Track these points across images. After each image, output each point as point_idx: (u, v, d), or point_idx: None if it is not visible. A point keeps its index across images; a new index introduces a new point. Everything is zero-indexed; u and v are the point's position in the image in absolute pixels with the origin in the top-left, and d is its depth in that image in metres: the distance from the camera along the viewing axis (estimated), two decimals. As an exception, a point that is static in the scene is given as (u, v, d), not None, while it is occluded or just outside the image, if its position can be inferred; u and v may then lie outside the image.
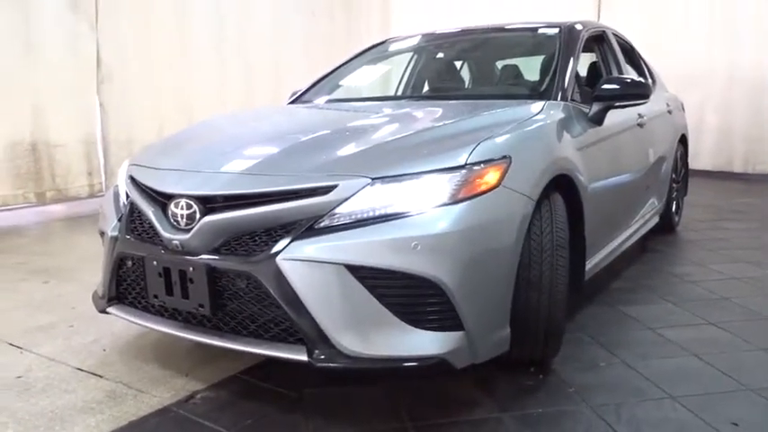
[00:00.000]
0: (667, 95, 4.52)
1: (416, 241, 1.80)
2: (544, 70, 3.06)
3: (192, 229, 1.97)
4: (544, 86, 2.85)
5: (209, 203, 1.97)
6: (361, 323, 1.82)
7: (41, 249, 4.44)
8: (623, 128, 3.16)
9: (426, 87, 3.82)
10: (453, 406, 2.08)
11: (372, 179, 1.88)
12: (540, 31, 3.43)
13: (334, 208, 1.85)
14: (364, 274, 1.80)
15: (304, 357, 1.84)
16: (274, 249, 1.85)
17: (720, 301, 3.10)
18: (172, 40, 6.79)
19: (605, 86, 2.80)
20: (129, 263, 2.19)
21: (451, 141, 2.11)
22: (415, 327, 1.84)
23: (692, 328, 2.74)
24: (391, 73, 4.14)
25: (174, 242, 2.00)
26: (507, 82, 3.34)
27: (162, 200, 2.10)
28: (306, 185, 1.90)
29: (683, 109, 4.86)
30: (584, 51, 3.20)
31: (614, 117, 2.96)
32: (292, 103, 3.53)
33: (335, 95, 3.50)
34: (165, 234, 2.03)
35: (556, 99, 2.70)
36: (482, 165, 1.96)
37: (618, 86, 2.80)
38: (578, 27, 3.24)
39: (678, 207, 4.72)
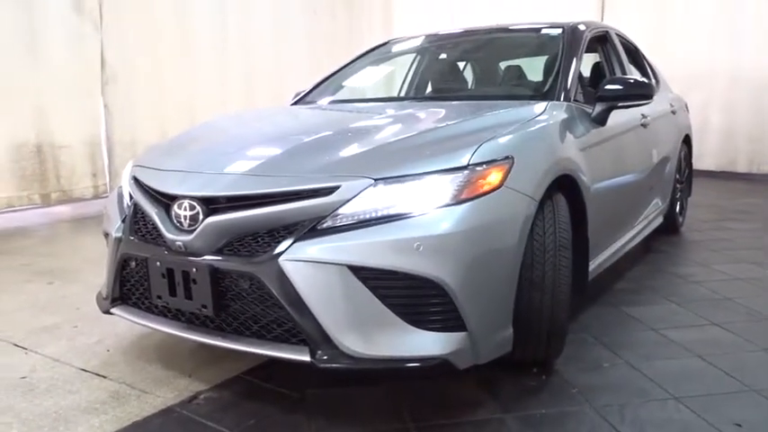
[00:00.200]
0: (671, 96, 4.52)
1: (419, 242, 1.80)
2: (547, 71, 3.06)
3: (195, 230, 1.97)
4: (547, 87, 2.85)
5: (212, 204, 1.98)
6: (364, 324, 1.82)
7: (46, 251, 4.46)
8: (626, 128, 3.16)
9: (429, 88, 3.82)
10: (456, 406, 2.08)
11: (375, 180, 1.88)
12: (544, 31, 3.43)
13: (337, 209, 1.86)
14: (367, 275, 1.81)
15: (307, 358, 1.84)
16: (277, 250, 1.85)
17: (724, 301, 3.09)
18: (175, 41, 6.81)
19: (608, 87, 2.80)
20: (133, 264, 2.20)
21: (454, 142, 2.11)
22: (418, 327, 1.84)
23: (696, 329, 2.73)
24: (394, 74, 4.14)
25: (178, 243, 2.01)
26: (510, 83, 3.34)
27: (165, 201, 2.11)
28: (308, 186, 1.90)
29: (687, 109, 4.85)
30: (587, 52, 3.19)
31: (617, 117, 2.96)
32: (296, 103, 3.54)
33: (339, 96, 3.51)
34: (169, 235, 2.03)
35: (559, 99, 2.70)
36: (484, 165, 1.97)
37: (621, 87, 2.79)
38: (581, 27, 3.24)
39: (682, 208, 4.71)
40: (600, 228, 2.69)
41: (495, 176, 1.97)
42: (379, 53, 3.84)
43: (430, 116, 2.63)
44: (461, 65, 3.85)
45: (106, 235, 2.40)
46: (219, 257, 1.95)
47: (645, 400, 2.10)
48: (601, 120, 2.80)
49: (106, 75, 6.19)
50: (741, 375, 2.26)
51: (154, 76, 6.59)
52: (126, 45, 6.31)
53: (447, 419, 1.99)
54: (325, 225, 1.86)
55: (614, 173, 2.94)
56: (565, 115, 2.57)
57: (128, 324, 2.53)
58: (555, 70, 2.91)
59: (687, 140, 4.65)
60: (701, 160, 7.35)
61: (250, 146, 2.32)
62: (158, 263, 2.05)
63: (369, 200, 1.86)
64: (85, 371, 2.39)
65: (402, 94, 3.91)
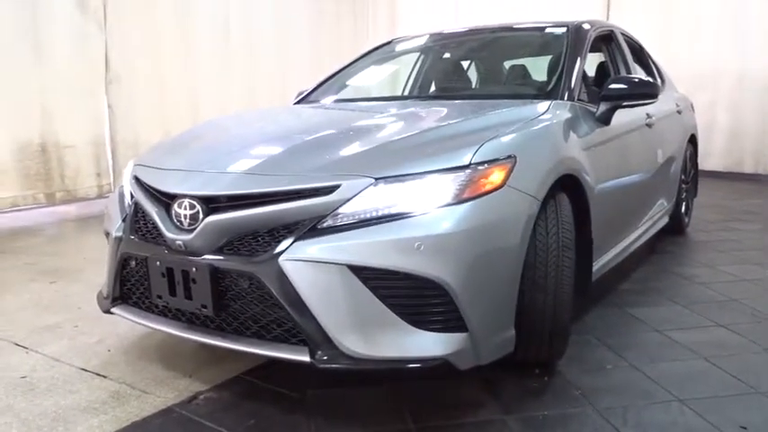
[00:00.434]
0: (677, 95, 4.48)
1: (420, 242, 1.79)
2: (551, 70, 3.04)
3: (195, 229, 1.96)
4: (551, 86, 2.83)
5: (212, 203, 1.97)
6: (364, 324, 1.81)
7: (51, 250, 4.46)
8: (631, 128, 3.13)
9: (433, 87, 3.80)
10: (457, 407, 2.06)
11: (376, 179, 1.87)
12: (548, 30, 3.41)
13: (337, 208, 1.84)
14: (367, 275, 1.79)
15: (306, 358, 1.83)
16: (277, 250, 1.84)
17: (729, 303, 3.06)
18: (178, 41, 6.83)
19: (613, 86, 2.77)
20: (133, 263, 2.19)
21: (456, 141, 2.09)
22: (419, 328, 1.82)
23: (701, 331, 2.70)
24: (398, 73, 4.13)
25: (178, 242, 2.00)
26: (514, 82, 3.31)
27: (165, 200, 2.10)
28: (309, 185, 1.89)
29: (693, 109, 4.81)
30: (592, 51, 3.17)
31: (622, 117, 2.93)
32: (298, 103, 3.53)
33: (341, 95, 3.50)
34: (169, 234, 2.02)
35: (562, 99, 2.68)
36: (486, 164, 1.95)
37: (625, 86, 2.77)
38: (586, 27, 3.21)
39: (688, 208, 4.67)
40: (604, 228, 2.67)
41: (497, 176, 1.95)
42: (382, 52, 3.83)
43: (432, 115, 2.61)
44: (465, 64, 3.83)
45: (107, 234, 2.39)
46: (219, 257, 1.94)
47: (648, 402, 2.08)
48: (605, 119, 2.78)
49: (110, 75, 6.21)
50: (746, 377, 2.24)
51: (157, 75, 6.60)
52: (130, 45, 6.33)
53: (448, 420, 1.98)
54: (325, 224, 1.84)
55: (618, 173, 2.92)
56: (568, 114, 2.54)
57: (129, 324, 2.52)
58: (559, 69, 2.89)
59: (693, 140, 4.61)
60: (707, 161, 7.31)
61: (250, 145, 2.30)
62: (158, 262, 2.04)
63: (369, 199, 1.85)
64: (86, 370, 2.38)
65: (405, 93, 3.89)
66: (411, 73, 3.99)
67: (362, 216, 1.83)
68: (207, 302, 1.95)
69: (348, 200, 1.84)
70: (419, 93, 3.80)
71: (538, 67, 3.30)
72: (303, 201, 1.86)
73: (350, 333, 1.80)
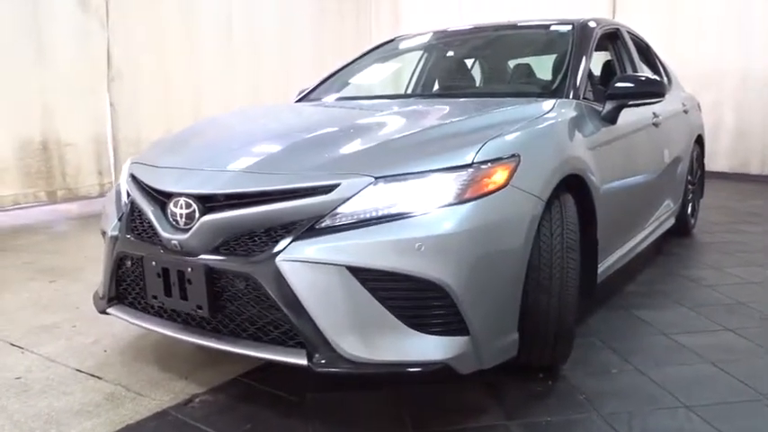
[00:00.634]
0: (683, 95, 4.42)
1: (420, 242, 1.74)
2: (556, 68, 2.98)
3: (191, 228, 1.92)
4: (556, 84, 2.78)
5: (208, 202, 1.92)
6: (363, 327, 1.76)
7: (51, 248, 4.43)
8: (637, 127, 3.08)
9: (436, 86, 3.75)
10: (458, 412, 2.01)
11: (375, 178, 1.82)
12: (553, 28, 3.36)
13: (336, 207, 1.80)
14: (366, 276, 1.74)
15: (304, 361, 1.78)
16: (274, 250, 1.79)
17: (737, 306, 3.00)
18: (181, 39, 6.80)
19: (619, 84, 2.72)
20: (129, 263, 2.15)
21: (458, 139, 2.05)
22: (419, 331, 1.78)
23: (708, 334, 2.65)
24: (400, 71, 4.08)
25: (173, 242, 1.95)
26: (518, 80, 3.27)
27: (161, 198, 2.06)
28: (307, 184, 1.84)
29: (700, 109, 4.75)
30: (597, 50, 3.12)
31: (628, 116, 2.88)
32: (300, 101, 3.48)
33: (343, 93, 3.45)
34: (164, 234, 1.98)
35: (568, 97, 2.63)
36: (489, 163, 1.90)
37: (632, 84, 2.72)
38: (592, 24, 3.16)
39: (694, 209, 4.61)
40: (609, 229, 2.62)
41: (500, 175, 1.90)
42: (385, 50, 3.78)
43: (434, 113, 2.56)
44: (469, 62, 3.79)
45: (103, 233, 2.35)
46: (215, 257, 1.89)
47: (654, 407, 2.03)
48: (611, 118, 2.73)
49: (112, 72, 6.18)
50: (755, 383, 2.18)
51: (160, 73, 6.57)
52: (132, 42, 6.30)
53: (449, 426, 1.93)
54: (323, 224, 1.80)
55: (624, 173, 2.86)
56: (574, 113, 2.49)
57: (126, 324, 2.46)
58: (564, 67, 2.84)
59: (699, 141, 4.55)
60: (713, 161, 7.23)
61: (248, 143, 2.25)
62: (153, 262, 2.00)
63: (369, 198, 1.80)
64: (81, 371, 2.34)
65: (408, 91, 3.85)
66: (414, 71, 3.94)
67: (362, 216, 1.79)
68: (202, 303, 1.91)
69: (347, 199, 1.80)
70: (422, 91, 3.75)
71: (542, 66, 3.25)
72: (301, 200, 1.82)
73: (348, 336, 1.76)
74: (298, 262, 1.76)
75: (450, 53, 3.93)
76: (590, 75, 2.92)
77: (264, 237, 1.85)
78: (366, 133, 2.25)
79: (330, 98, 3.39)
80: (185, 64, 6.83)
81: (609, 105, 2.72)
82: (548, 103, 2.49)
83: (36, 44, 5.59)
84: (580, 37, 3.02)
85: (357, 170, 1.86)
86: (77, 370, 2.36)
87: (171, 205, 1.99)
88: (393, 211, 1.79)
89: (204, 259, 1.90)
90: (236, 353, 1.89)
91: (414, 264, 1.74)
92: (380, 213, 1.78)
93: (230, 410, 2.03)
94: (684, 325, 2.77)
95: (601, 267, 2.62)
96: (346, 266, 1.74)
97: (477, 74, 3.73)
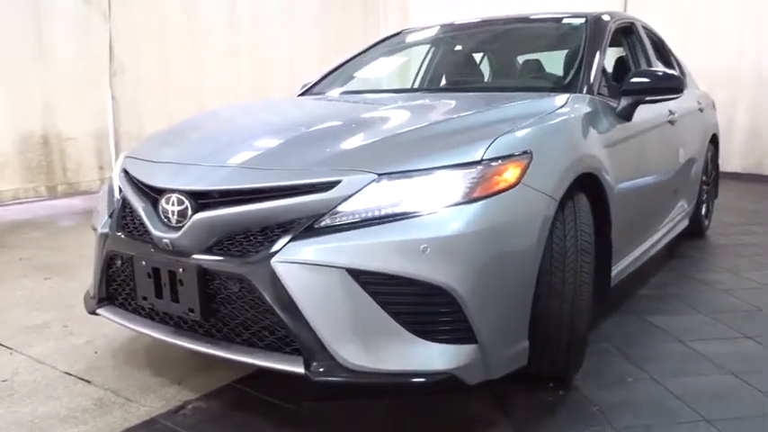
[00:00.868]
0: (698, 93, 4.29)
1: (426, 244, 1.63)
2: (569, 62, 2.86)
3: (183, 226, 1.81)
4: (569, 78, 2.65)
5: (201, 199, 1.82)
6: (364, 334, 1.65)
7: (49, 244, 4.34)
8: (653, 125, 2.95)
9: (444, 80, 3.63)
10: (464, 424, 1.90)
11: (379, 175, 1.71)
12: (565, 21, 3.23)
13: (336, 206, 1.69)
14: (368, 280, 1.63)
15: (301, 370, 1.68)
16: (270, 250, 1.68)
17: (755, 312, 2.88)
18: (184, 32, 6.70)
19: (635, 79, 2.60)
20: (119, 262, 2.04)
21: (467, 135, 1.93)
22: (423, 338, 1.66)
23: (727, 342, 2.53)
24: (407, 65, 3.96)
25: (165, 241, 1.85)
26: (529, 74, 3.14)
27: (153, 195, 1.95)
28: (305, 181, 1.73)
29: (715, 107, 4.62)
30: (611, 45, 2.99)
31: (643, 113, 2.75)
32: (302, 95, 3.37)
33: (348, 87, 3.34)
34: (155, 232, 1.88)
35: (581, 92, 2.51)
36: (500, 160, 1.78)
37: (649, 79, 2.59)
38: (606, 18, 3.04)
39: (708, 210, 4.48)
40: (623, 231, 2.50)
41: (511, 173, 1.79)
42: (391, 43, 3.66)
43: (441, 107, 2.45)
44: (478, 56, 3.66)
45: (95, 230, 2.25)
46: (208, 257, 1.79)
47: (672, 421, 1.91)
48: (626, 115, 2.61)
49: (114, 66, 6.09)
50: (779, 396, 2.06)
51: (162, 67, 6.47)
52: (135, 36, 6.20)
53: (454, 439, 1.82)
54: (322, 224, 1.69)
55: (639, 172, 2.74)
56: (588, 109, 2.37)
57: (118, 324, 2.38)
58: (577, 61, 2.71)
59: (714, 140, 4.42)
60: (726, 161, 7.05)
61: (246, 138, 2.14)
62: (144, 262, 1.90)
63: (371, 197, 1.69)
64: (70, 374, 2.24)
65: (415, 86, 3.73)
66: (421, 65, 3.82)
67: (363, 215, 1.67)
68: (194, 306, 1.80)
69: (348, 197, 1.69)
70: (429, 86, 3.63)
71: (554, 60, 3.12)
72: (299, 197, 1.71)
73: (348, 343, 1.65)
74: (295, 263, 1.65)
75: (459, 47, 3.81)
76: (603, 71, 2.79)
77: (260, 236, 1.74)
78: (369, 128, 2.14)
79: (334, 92, 3.28)
80: (188, 58, 6.72)
81: (624, 101, 2.60)
82: (561, 98, 2.37)
83: (37, 37, 5.50)
84: (594, 30, 2.90)
85: (359, 166, 1.74)
86: (66, 373, 2.26)
87: (162, 202, 1.88)
88: (397, 210, 1.67)
89: (197, 259, 1.79)
90: (230, 359, 1.79)
91: (418, 267, 1.62)
92: (383, 213, 1.67)
93: (222, 418, 1.93)
94: (701, 332, 2.64)
95: (614, 271, 2.50)
96: (346, 269, 1.63)
97: (485, 68, 3.62)
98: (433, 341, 1.67)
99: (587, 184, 2.14)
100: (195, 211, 1.80)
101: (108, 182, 2.37)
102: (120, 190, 2.16)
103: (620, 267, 2.64)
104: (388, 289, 1.64)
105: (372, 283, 1.63)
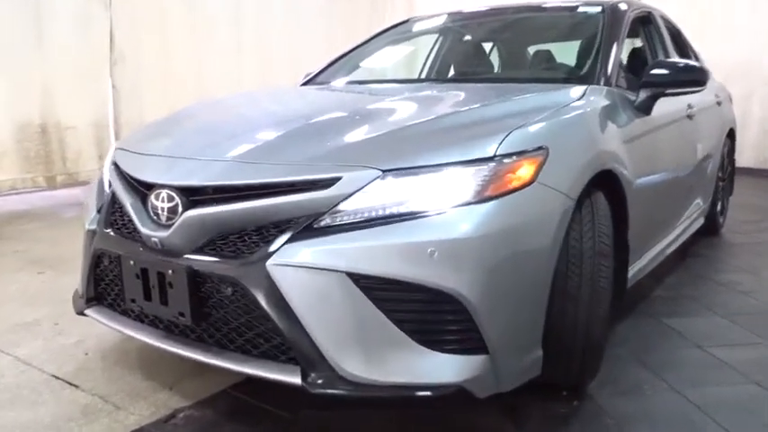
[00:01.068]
0: (716, 85, 4.13)
1: (434, 247, 1.50)
2: (584, 52, 2.72)
3: (172, 224, 1.69)
4: (586, 69, 2.51)
5: (192, 195, 1.69)
6: (366, 343, 1.53)
7: (45, 236, 4.23)
8: (672, 119, 2.81)
9: (452, 71, 3.49)
10: (473, 437, 1.79)
11: (383, 171, 1.58)
12: (581, 9, 3.08)
13: (337, 204, 1.56)
14: (370, 285, 1.51)
15: (297, 381, 1.56)
16: (265, 252, 1.57)
17: (777, 315, 2.75)
18: (186, 21, 6.55)
19: (655, 71, 2.46)
20: (107, 261, 1.93)
21: (478, 129, 1.80)
22: (430, 348, 1.54)
23: (748, 348, 2.40)
24: (414, 55, 3.82)
25: (153, 239, 1.73)
26: (543, 65, 3.00)
27: (142, 190, 1.83)
28: (304, 177, 1.61)
29: (731, 100, 4.47)
30: (629, 35, 2.84)
31: (662, 107, 2.61)
32: (305, 84, 3.24)
33: (352, 77, 3.20)
34: (144, 230, 1.76)
35: (599, 83, 2.37)
36: (514, 157, 1.66)
37: (670, 71, 2.45)
38: (623, 6, 2.89)
39: (723, 207, 4.34)
40: (640, 230, 2.37)
41: (526, 170, 1.66)
42: (397, 32, 3.52)
43: (450, 99, 2.32)
44: (487, 46, 3.52)
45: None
46: (199, 258, 1.67)
47: (695, 436, 1.79)
48: (645, 108, 2.47)
49: (115, 55, 5.96)
50: (807, 409, 1.94)
51: (164, 55, 6.34)
52: (136, 23, 6.07)
53: (462, 454, 1.70)
54: (322, 223, 1.57)
55: (658, 169, 2.60)
56: (606, 101, 2.24)
57: (109, 324, 2.27)
58: (594, 51, 2.57)
59: (731, 134, 4.27)
60: (739, 156, 6.87)
61: (242, 130, 2.00)
62: (132, 261, 1.78)
63: (375, 195, 1.57)
64: (57, 378, 2.13)
65: (422, 76, 3.59)
66: (429, 55, 3.68)
67: (366, 215, 1.55)
68: (184, 310, 1.68)
69: (350, 195, 1.56)
70: (437, 76, 3.49)
71: (569, 50, 2.98)
72: (297, 195, 1.59)
73: (349, 353, 1.53)
74: (292, 266, 1.53)
75: (468, 36, 3.66)
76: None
77: (255, 236, 1.62)
78: (374, 120, 2.01)
79: (338, 82, 3.14)
80: (190, 46, 6.58)
81: (643, 94, 2.46)
82: (577, 90, 2.24)
83: (36, 25, 5.37)
84: (611, 19, 2.75)
85: (362, 162, 1.62)
86: (53, 376, 2.15)
87: (152, 198, 1.76)
88: (402, 209, 1.55)
89: (187, 260, 1.68)
90: (222, 367, 1.67)
91: (425, 271, 1.50)
92: (388, 212, 1.55)
93: (214, 428, 1.81)
94: (720, 336, 2.52)
95: (630, 272, 2.38)
96: (347, 273, 1.51)
97: (495, 59, 3.47)
98: (440, 351, 1.55)
99: (605, 182, 2.01)
100: (186, 208, 1.68)
101: (98, 175, 2.25)
102: (110, 184, 2.04)
103: (636, 268, 2.51)
104: (392, 295, 1.52)
105: (375, 288, 1.51)
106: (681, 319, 2.70)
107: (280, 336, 1.58)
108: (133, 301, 1.81)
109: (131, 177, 1.90)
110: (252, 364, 1.63)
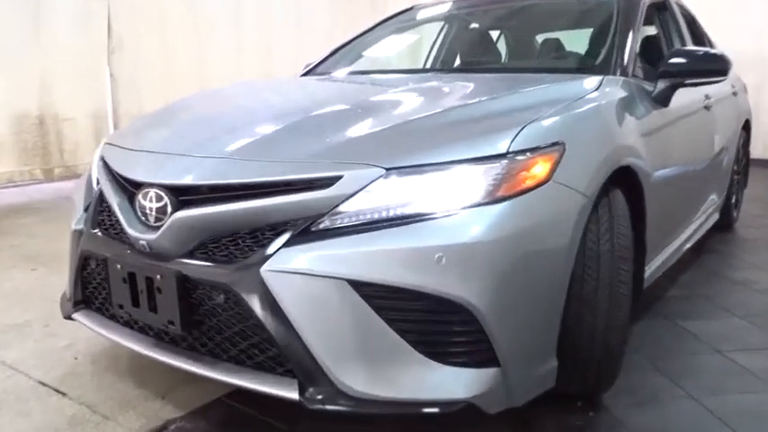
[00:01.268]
0: (732, 75, 3.98)
1: (441, 252, 1.39)
2: (598, 41, 2.58)
3: (161, 226, 1.58)
4: (601, 58, 2.37)
5: (182, 195, 1.58)
6: (368, 355, 1.42)
7: (41, 231, 4.13)
8: (690, 111, 2.69)
9: (458, 60, 3.36)
10: (482, 452, 1.68)
11: (387, 169, 1.47)
12: (593, -6, 2.94)
13: (337, 206, 1.45)
14: (372, 293, 1.40)
15: (295, 395, 1.46)
16: (260, 257, 1.45)
17: (799, 317, 2.63)
18: (185, 8, 6.42)
19: (674, 60, 2.33)
20: (93, 264, 1.82)
21: (489, 123, 1.68)
22: (437, 361, 1.44)
23: (770, 353, 2.29)
24: (419, 44, 3.69)
25: (141, 242, 1.62)
26: (554, 55, 2.87)
27: (130, 189, 1.72)
28: (301, 176, 1.49)
29: (746, 90, 4.32)
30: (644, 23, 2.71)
31: (680, 98, 2.48)
32: (305, 75, 3.11)
33: (354, 67, 3.08)
34: (131, 231, 1.65)
35: (615, 74, 2.24)
36: (528, 153, 1.54)
37: (690, 60, 2.32)
38: (637, -8, 2.75)
39: (737, 201, 4.21)
40: (658, 228, 2.26)
41: (541, 168, 1.54)
42: (400, 20, 3.39)
43: (458, 91, 2.19)
44: (495, 34, 3.38)
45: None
46: (190, 262, 1.56)
47: (719, 451, 1.68)
48: (663, 99, 2.35)
49: (113, 43, 5.85)
50: (837, 421, 1.82)
51: (164, 44, 6.23)
52: (135, 12, 5.94)
53: (470, 470, 1.60)
54: (321, 226, 1.45)
55: (676, 163, 2.48)
56: (623, 93, 2.11)
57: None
58: (609, 39, 2.44)
59: (747, 126, 4.14)
60: (752, 148, 6.75)
61: (236, 124, 1.87)
62: (119, 265, 1.67)
63: (378, 195, 1.45)
64: (44, 384, 2.03)
65: (427, 66, 3.46)
66: (434, 44, 3.55)
67: (369, 217, 1.44)
68: (174, 318, 1.57)
69: (351, 195, 1.45)
70: (442, 66, 3.36)
71: (575, 39, 2.85)
72: (294, 195, 1.48)
73: (350, 366, 1.42)
74: (288, 273, 1.42)
75: (475, 24, 3.53)
76: (634, 50, 2.52)
77: (249, 240, 1.51)
78: (377, 114, 1.88)
79: (339, 72, 3.02)
80: (190, 35, 6.47)
81: (661, 84, 2.33)
82: (592, 81, 2.11)
83: (35, 15, 5.28)
84: (627, 6, 2.62)
85: (364, 159, 1.50)
86: (40, 382, 2.04)
87: (140, 197, 1.65)
88: (407, 211, 1.44)
89: (177, 264, 1.57)
90: (215, 378, 1.56)
91: (432, 279, 1.39)
92: (392, 214, 1.44)
93: (208, 442, 1.71)
94: (739, 340, 2.40)
95: (647, 272, 2.26)
96: (347, 280, 1.40)
97: (503, 48, 3.34)
98: (447, 364, 1.44)
99: (622, 178, 1.89)
100: (175, 209, 1.57)
101: (87, 171, 2.13)
102: (98, 181, 1.92)
103: (653, 267, 2.40)
104: (396, 304, 1.41)
105: (378, 296, 1.41)
106: (697, 320, 2.59)
107: (275, 347, 1.47)
108: (121, 306, 1.70)
109: (119, 175, 1.79)
110: (246, 377, 1.53)
